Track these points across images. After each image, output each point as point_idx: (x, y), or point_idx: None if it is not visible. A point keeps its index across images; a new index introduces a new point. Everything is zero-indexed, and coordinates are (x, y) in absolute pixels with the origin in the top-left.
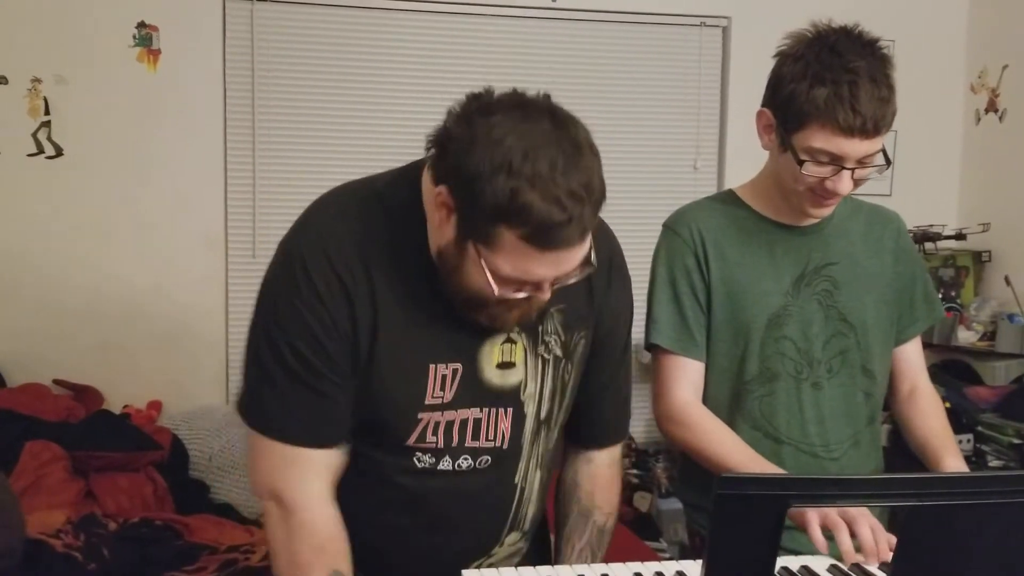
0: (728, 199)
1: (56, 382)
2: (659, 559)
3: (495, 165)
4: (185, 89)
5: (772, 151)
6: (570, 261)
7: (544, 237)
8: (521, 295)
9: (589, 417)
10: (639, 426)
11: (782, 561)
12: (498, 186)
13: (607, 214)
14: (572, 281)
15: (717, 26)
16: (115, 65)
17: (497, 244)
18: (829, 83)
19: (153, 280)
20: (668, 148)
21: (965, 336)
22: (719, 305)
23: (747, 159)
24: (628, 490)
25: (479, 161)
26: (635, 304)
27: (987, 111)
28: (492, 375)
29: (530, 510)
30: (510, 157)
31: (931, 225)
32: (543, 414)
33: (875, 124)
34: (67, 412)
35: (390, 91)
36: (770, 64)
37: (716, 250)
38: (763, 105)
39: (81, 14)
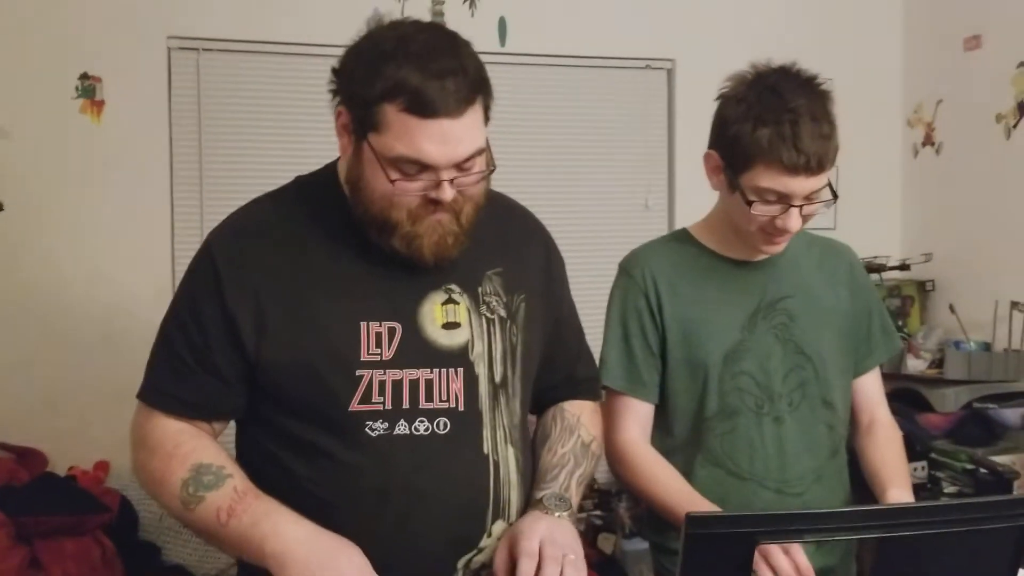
0: (682, 238)
1: None
2: None
3: (372, 57)
4: (130, 140)
5: (721, 191)
6: (456, 140)
7: (421, 103)
8: (418, 184)
9: (551, 372)
10: (600, 466)
11: None
12: (376, 70)
13: (560, 245)
14: (472, 179)
15: (662, 68)
16: (58, 117)
17: (383, 124)
18: (771, 124)
19: (99, 336)
20: (619, 187)
21: (914, 364)
22: (675, 344)
23: (697, 196)
24: (591, 532)
25: (360, 58)
26: (590, 345)
27: (924, 144)
28: (437, 335)
29: (513, 495)
30: (384, 47)
31: (875, 257)
32: (497, 377)
33: (819, 161)
34: (9, 476)
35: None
36: (714, 105)
37: (669, 289)
38: (709, 147)
39: (21, 65)
